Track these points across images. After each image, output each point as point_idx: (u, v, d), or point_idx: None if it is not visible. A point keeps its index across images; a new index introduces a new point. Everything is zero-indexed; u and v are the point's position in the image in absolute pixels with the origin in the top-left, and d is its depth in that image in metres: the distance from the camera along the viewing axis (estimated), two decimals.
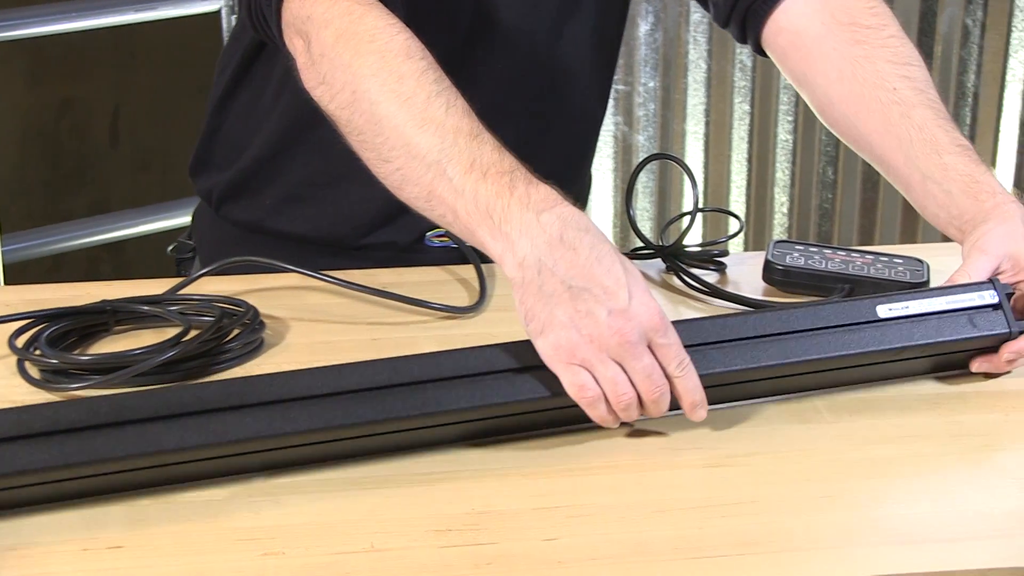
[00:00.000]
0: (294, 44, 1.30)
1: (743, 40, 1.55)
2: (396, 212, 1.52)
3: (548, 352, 1.09)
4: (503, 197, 1.14)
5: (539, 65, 1.52)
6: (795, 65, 1.50)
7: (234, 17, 2.64)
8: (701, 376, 1.12)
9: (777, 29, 1.50)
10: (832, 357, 1.18)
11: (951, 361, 1.25)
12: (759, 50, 1.54)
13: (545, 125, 1.56)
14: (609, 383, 1.09)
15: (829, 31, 1.46)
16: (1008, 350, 1.23)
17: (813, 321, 1.18)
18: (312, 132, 1.50)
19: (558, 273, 1.09)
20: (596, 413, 1.10)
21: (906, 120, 1.38)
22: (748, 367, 1.15)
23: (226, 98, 1.58)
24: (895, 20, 1.46)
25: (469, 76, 1.46)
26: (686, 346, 1.11)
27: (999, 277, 1.26)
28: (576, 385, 1.08)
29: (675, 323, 1.11)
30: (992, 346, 1.24)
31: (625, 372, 1.09)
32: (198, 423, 1.03)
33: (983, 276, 1.25)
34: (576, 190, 1.66)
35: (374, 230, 1.54)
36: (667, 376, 1.10)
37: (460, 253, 1.50)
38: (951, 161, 1.34)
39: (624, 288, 1.09)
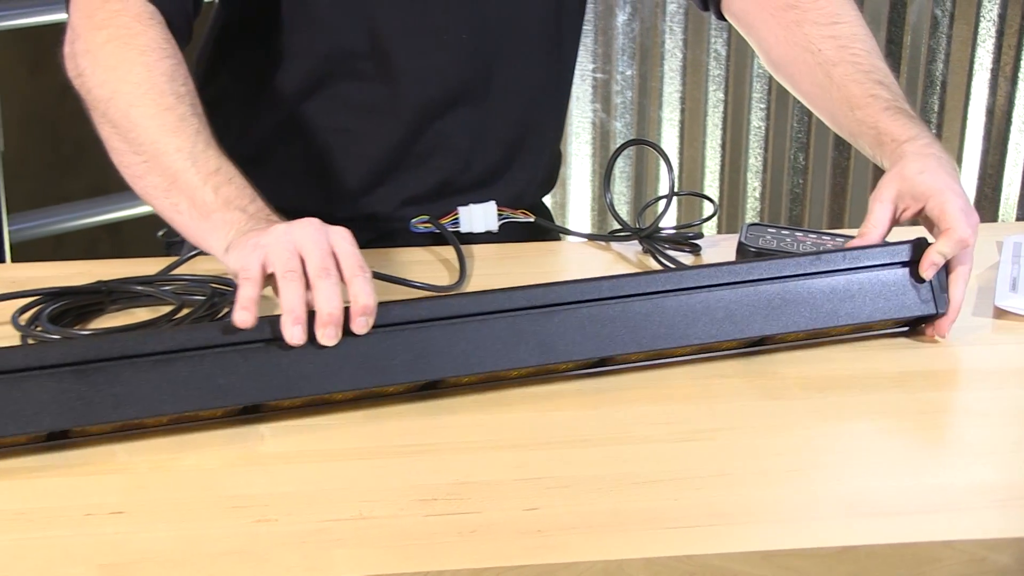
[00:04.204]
0: (70, 28, 1.31)
1: (705, 8, 1.59)
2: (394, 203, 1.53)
3: (237, 242, 1.12)
4: (243, 200, 1.18)
5: (491, 34, 1.52)
6: (747, 30, 1.55)
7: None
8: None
9: None
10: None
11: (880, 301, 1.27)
12: (720, 16, 1.59)
13: (500, 96, 1.55)
14: (282, 260, 1.08)
15: None
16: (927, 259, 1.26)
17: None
18: (299, 120, 1.51)
19: (271, 232, 1.12)
20: (242, 291, 1.08)
21: (828, 80, 1.42)
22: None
23: (204, 86, 1.57)
24: None
25: (424, 44, 1.46)
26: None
27: (903, 214, 1.30)
28: (243, 265, 1.09)
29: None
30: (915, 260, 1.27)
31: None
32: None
33: (882, 224, 1.29)
34: (541, 164, 1.66)
35: (358, 200, 1.54)
36: (345, 278, 1.10)
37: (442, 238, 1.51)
38: (861, 116, 1.38)
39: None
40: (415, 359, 1.13)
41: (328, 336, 1.08)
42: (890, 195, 1.30)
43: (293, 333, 1.07)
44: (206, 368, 1.08)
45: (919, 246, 1.27)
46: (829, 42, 1.44)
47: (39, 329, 1.24)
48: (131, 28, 1.27)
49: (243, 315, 1.07)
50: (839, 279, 1.25)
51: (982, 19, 3.14)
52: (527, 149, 1.60)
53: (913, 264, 1.27)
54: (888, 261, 1.27)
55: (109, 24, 1.27)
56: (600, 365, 1.20)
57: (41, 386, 1.04)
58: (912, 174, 1.29)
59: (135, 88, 1.23)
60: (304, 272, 1.08)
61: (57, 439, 1.07)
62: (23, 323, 1.25)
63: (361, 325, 1.09)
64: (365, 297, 1.09)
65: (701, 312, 1.20)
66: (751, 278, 1.23)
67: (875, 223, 1.29)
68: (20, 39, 2.59)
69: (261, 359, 1.09)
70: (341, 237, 1.11)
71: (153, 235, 1.70)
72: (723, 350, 1.24)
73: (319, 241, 1.10)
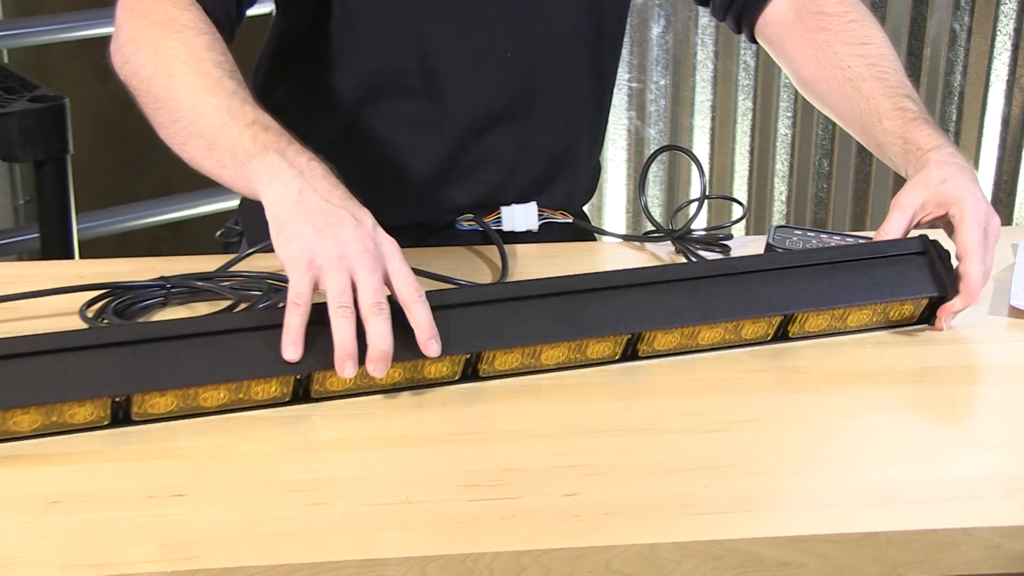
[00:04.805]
0: (115, 25, 1.32)
1: (738, 31, 1.61)
2: (438, 209, 1.53)
3: (292, 256, 1.10)
4: (281, 144, 1.16)
5: (535, 54, 1.51)
6: (778, 51, 1.57)
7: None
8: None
9: (764, 22, 1.57)
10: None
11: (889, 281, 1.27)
12: (752, 39, 1.60)
13: (542, 113, 1.54)
14: (336, 290, 1.08)
15: (800, 20, 1.52)
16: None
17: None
18: (351, 133, 1.51)
19: (318, 193, 1.12)
20: (290, 318, 1.09)
21: (857, 93, 1.43)
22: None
23: (263, 96, 1.57)
24: (860, 5, 1.52)
25: (471, 63, 1.46)
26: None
27: (925, 218, 1.30)
28: (296, 290, 1.09)
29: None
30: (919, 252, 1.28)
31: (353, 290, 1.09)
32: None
33: (895, 232, 1.29)
34: (582, 175, 1.65)
35: (407, 210, 1.54)
36: (403, 303, 1.10)
37: (486, 236, 1.51)
38: (889, 126, 1.38)
39: (371, 220, 1.12)
40: (460, 336, 1.13)
41: (378, 370, 1.08)
42: (911, 202, 1.30)
43: (345, 368, 1.08)
44: (254, 343, 1.09)
45: (924, 241, 1.28)
46: (858, 60, 1.45)
47: (105, 322, 1.24)
48: (169, 12, 1.28)
49: (291, 352, 1.08)
50: (854, 264, 1.26)
51: (999, 33, 3.12)
52: (568, 162, 1.60)
53: (923, 255, 1.27)
54: (900, 252, 1.28)
55: (149, 12, 1.29)
56: (632, 349, 1.20)
57: (102, 359, 1.06)
58: (936, 182, 1.29)
59: (174, 60, 1.24)
60: (356, 302, 1.09)
61: (120, 425, 1.07)
62: (90, 316, 1.25)
63: (433, 349, 1.10)
64: (426, 326, 1.10)
65: (727, 294, 1.21)
66: (772, 267, 1.24)
67: (889, 230, 1.30)
68: (89, 49, 2.60)
69: (309, 337, 1.09)
70: (392, 256, 1.12)
71: (213, 233, 1.71)
72: (750, 341, 1.24)
73: (372, 269, 1.09)
